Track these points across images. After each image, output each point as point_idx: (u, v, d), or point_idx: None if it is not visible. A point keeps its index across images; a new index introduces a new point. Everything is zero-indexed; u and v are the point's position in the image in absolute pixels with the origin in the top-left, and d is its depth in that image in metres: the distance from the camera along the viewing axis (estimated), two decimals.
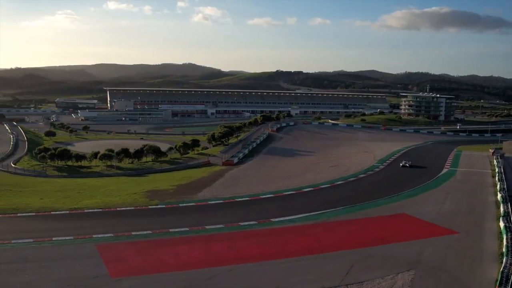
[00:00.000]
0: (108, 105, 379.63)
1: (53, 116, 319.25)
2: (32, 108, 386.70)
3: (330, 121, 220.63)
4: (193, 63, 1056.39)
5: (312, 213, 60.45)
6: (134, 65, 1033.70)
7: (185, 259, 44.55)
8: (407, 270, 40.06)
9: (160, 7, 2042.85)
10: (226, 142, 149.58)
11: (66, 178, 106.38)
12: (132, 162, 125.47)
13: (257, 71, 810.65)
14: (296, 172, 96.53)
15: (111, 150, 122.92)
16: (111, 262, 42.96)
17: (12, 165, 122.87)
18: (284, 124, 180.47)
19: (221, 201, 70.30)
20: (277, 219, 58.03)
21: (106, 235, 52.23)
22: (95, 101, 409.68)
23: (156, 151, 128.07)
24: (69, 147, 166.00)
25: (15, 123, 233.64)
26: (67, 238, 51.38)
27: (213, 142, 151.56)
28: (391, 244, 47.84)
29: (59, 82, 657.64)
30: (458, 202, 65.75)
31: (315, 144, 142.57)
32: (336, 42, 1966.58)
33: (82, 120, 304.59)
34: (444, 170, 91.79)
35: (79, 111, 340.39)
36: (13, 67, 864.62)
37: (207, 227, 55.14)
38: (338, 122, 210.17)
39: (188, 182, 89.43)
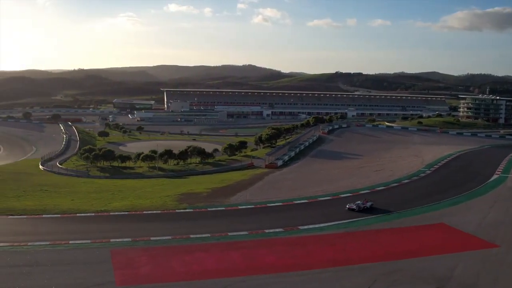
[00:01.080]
0: (165, 106, 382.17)
1: (110, 116, 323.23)
2: (91, 109, 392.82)
3: (386, 123, 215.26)
4: (253, 64, 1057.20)
5: (344, 221, 56.67)
6: (195, 66, 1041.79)
7: (197, 267, 41.90)
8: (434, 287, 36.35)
9: (220, 9, 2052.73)
10: (274, 144, 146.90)
11: (107, 179, 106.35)
12: (177, 163, 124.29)
13: (317, 73, 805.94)
14: (338, 176, 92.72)
15: (154, 151, 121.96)
16: (120, 269, 40.92)
17: (58, 165, 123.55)
18: (336, 126, 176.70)
19: (252, 206, 67.34)
20: (305, 227, 54.58)
21: (124, 239, 50.36)
22: (152, 102, 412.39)
23: (201, 153, 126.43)
24: (120, 148, 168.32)
25: (70, 123, 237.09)
26: (84, 241, 49.74)
27: (260, 144, 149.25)
28: (423, 257, 43.86)
29: (119, 83, 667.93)
30: (504, 212, 60.30)
31: (365, 147, 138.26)
32: (396, 43, 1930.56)
33: (138, 120, 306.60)
34: (495, 176, 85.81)
35: (135, 111, 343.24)
36: (76, 68, 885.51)
37: (230, 233, 52.31)
38: (393, 125, 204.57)
39: (225, 185, 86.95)
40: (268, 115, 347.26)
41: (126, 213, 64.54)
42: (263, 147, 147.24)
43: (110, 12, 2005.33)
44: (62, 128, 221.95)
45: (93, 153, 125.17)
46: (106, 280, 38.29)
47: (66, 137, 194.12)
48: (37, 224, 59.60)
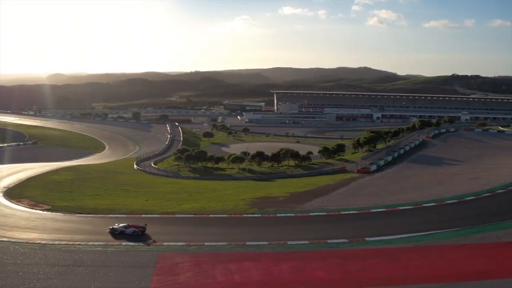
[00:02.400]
0: (275, 107, 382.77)
1: (219, 117, 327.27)
2: (202, 110, 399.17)
3: (500, 128, 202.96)
4: (368, 66, 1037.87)
5: (416, 234, 51.10)
6: (309, 68, 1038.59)
7: (239, 278, 39.07)
8: None
9: (334, 11, 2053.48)
10: (373, 147, 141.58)
11: (195, 180, 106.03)
12: (272, 166, 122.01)
13: (433, 75, 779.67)
14: (429, 184, 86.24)
15: (245, 153, 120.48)
16: (160, 275, 39.18)
17: (152, 164, 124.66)
18: (443, 130, 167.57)
19: (324, 213, 63.36)
20: (372, 239, 49.86)
21: (177, 243, 48.85)
22: (262, 104, 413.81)
23: (294, 155, 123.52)
24: (223, 148, 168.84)
25: (176, 124, 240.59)
26: (136, 244, 48.88)
27: (359, 147, 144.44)
28: (494, 280, 38.44)
29: (233, 85, 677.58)
30: None
31: (469, 153, 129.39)
32: None
33: (246, 122, 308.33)
34: None
35: (244, 113, 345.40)
36: (193, 70, 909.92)
37: (289, 242, 48.96)
38: (506, 129, 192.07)
39: (306, 189, 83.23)
40: (378, 118, 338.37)
41: (192, 216, 62.96)
42: (365, 151, 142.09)
43: (226, 16, 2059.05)
44: (168, 128, 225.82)
45: (186, 153, 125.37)
46: (141, 286, 36.78)
47: (170, 137, 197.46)
48: (99, 224, 59.24)
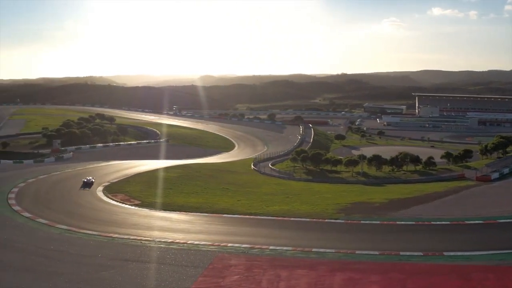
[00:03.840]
0: (416, 111, 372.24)
1: (357, 120, 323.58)
2: (343, 112, 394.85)
3: None
4: None
5: (504, 251, 45.60)
6: (459, 71, 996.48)
7: (284, 286, 36.91)
8: None
9: (486, 12, 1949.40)
10: (503, 154, 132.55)
11: (305, 182, 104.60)
12: (392, 170, 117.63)
13: None
14: None
15: (361, 156, 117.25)
16: (206, 276, 38.20)
17: (270, 165, 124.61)
18: None
19: (412, 223, 58.96)
20: (451, 253, 45.20)
21: (242, 245, 47.76)
22: (403, 107, 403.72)
23: (414, 160, 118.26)
24: (353, 151, 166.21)
25: (310, 125, 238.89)
26: (202, 243, 48.59)
27: (487, 153, 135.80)
28: None
29: (379, 87, 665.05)
30: None
31: None
32: None
33: (384, 125, 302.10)
34: None
35: (383, 116, 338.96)
36: (340, 72, 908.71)
37: (357, 252, 45.92)
38: None
39: (410, 196, 78.43)
40: None
41: (272, 218, 61.76)
42: (496, 157, 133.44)
43: (373, 18, 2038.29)
44: (300, 129, 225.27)
45: (302, 155, 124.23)
46: (183, 286, 35.98)
47: (299, 138, 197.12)
48: (177, 222, 60.12)
